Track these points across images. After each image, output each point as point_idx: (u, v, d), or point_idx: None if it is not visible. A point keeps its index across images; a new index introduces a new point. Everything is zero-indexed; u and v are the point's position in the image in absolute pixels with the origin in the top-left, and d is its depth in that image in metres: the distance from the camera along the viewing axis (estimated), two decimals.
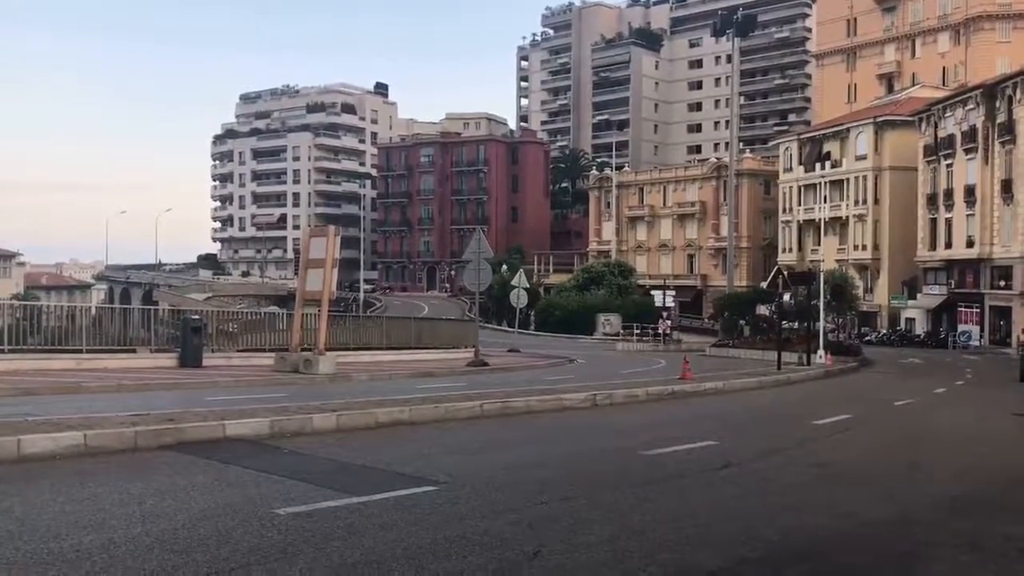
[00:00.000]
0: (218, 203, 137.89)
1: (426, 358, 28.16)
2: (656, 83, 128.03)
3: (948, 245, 60.59)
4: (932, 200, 62.56)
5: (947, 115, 61.22)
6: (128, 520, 5.86)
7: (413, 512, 6.39)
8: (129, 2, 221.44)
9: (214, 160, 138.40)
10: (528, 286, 52.14)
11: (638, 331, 55.15)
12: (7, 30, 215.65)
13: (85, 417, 9.70)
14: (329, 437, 10.00)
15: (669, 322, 54.94)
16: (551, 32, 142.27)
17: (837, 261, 65.11)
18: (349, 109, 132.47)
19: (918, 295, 64.07)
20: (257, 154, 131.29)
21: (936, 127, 62.43)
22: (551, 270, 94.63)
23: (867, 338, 59.90)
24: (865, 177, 68.86)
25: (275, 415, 10.32)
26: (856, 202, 69.47)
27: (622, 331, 58.63)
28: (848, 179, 70.26)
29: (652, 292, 61.77)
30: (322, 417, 10.54)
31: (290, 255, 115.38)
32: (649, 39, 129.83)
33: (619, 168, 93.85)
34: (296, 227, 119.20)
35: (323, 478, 7.54)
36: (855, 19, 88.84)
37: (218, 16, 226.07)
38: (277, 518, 6.00)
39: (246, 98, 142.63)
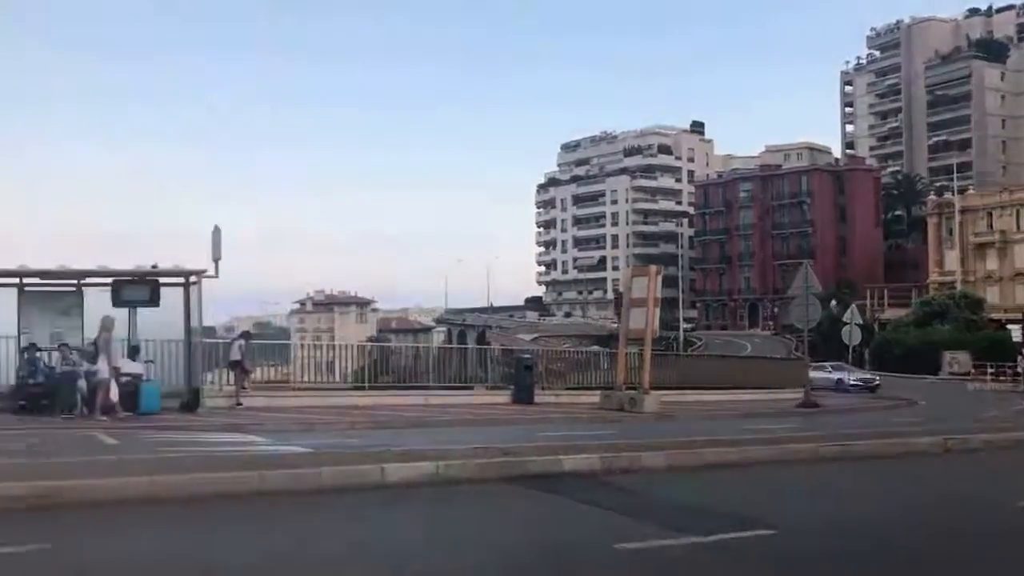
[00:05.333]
0: (542, 248, 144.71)
1: (751, 398, 27.37)
2: (1002, 97, 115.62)
3: None
4: None
5: None
6: (474, 547, 6.24)
7: (748, 555, 6.19)
8: (465, 63, 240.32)
9: (538, 207, 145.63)
10: (861, 322, 48.85)
11: (992, 370, 49.56)
12: (349, 67, 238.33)
13: (436, 449, 10.53)
14: (658, 475, 9.99)
15: None
16: (877, 53, 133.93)
17: None
18: (665, 150, 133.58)
19: None
20: (577, 200, 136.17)
21: None
22: (885, 304, 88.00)
23: None
24: None
25: (605, 451, 10.51)
26: None
27: (973, 370, 53.06)
28: None
29: (1008, 326, 55.31)
30: (651, 455, 10.57)
31: (610, 296, 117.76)
32: (992, 50, 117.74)
33: (961, 191, 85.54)
34: (615, 268, 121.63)
35: (656, 515, 7.53)
36: None
37: (537, 72, 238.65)
38: (616, 553, 6.08)
39: (567, 147, 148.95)
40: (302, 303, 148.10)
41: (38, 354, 16.80)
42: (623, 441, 12.32)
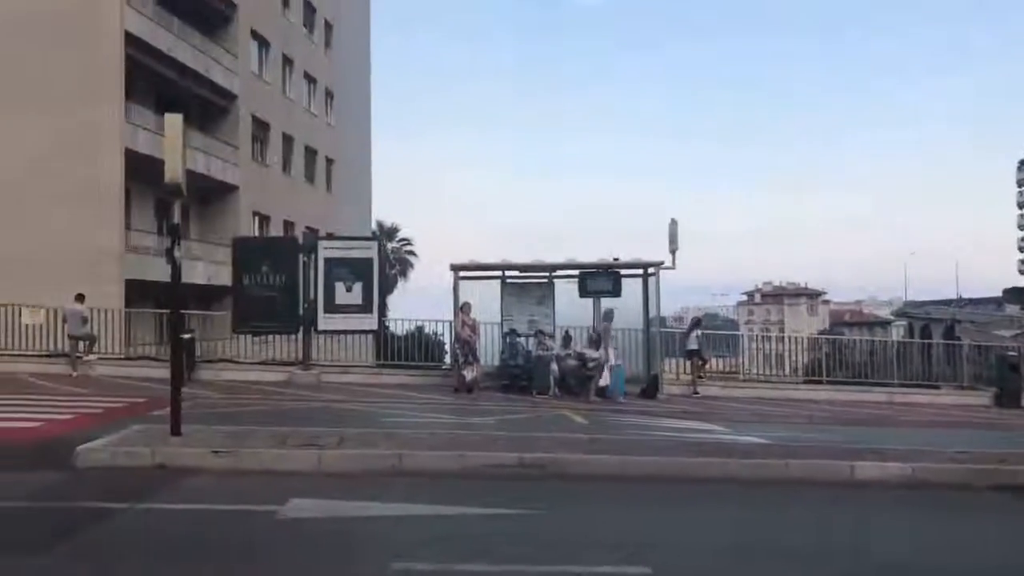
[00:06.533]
0: (1022, 232, 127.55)
1: None
2: None
3: None
4: None
5: None
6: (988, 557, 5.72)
7: None
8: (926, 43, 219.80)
9: (1019, 186, 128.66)
10: None
11: None
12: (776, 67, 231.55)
13: (908, 449, 9.80)
14: None
15: None
16: None
17: None
18: None
19: None
20: None
21: None
22: None
23: None
24: None
25: None
26: None
27: None
28: None
29: None
30: None
31: None
32: None
33: None
34: None
35: None
36: None
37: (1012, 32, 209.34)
38: None
39: None
40: (750, 295, 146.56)
41: (518, 339, 18.68)
42: None
